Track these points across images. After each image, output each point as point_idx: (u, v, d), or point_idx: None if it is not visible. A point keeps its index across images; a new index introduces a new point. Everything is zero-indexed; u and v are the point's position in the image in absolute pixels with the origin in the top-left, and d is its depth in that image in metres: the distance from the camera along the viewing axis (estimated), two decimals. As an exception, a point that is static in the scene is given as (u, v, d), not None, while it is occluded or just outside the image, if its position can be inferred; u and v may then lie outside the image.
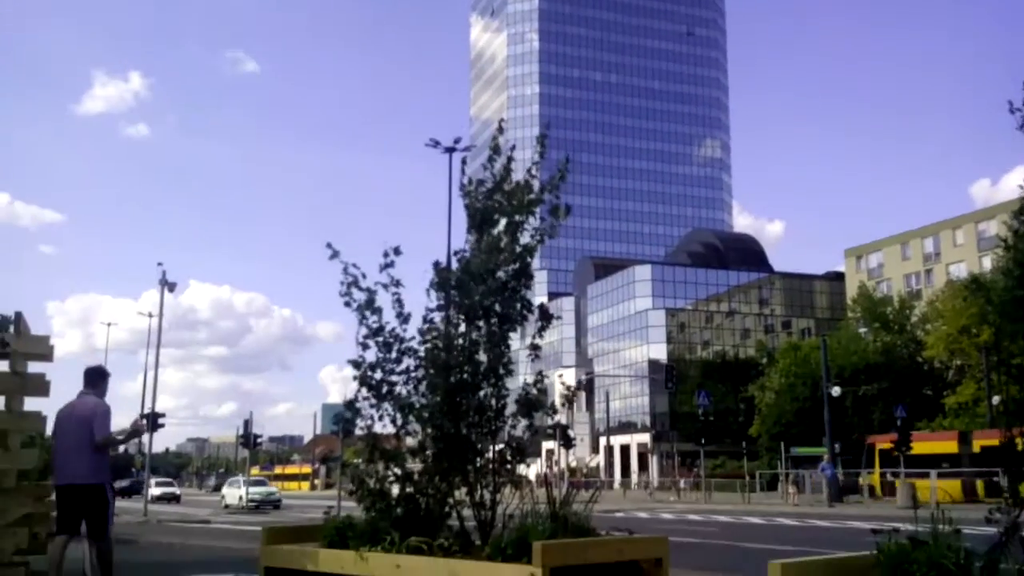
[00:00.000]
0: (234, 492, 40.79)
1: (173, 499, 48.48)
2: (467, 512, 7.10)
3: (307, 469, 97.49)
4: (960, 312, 48.74)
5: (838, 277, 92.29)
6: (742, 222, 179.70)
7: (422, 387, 7.30)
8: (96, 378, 8.00)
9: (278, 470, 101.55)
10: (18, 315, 7.15)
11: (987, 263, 65.98)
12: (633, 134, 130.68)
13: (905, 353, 61.78)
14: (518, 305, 7.35)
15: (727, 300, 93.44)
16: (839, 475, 35.89)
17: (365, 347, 7.24)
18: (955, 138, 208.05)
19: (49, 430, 7.88)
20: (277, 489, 48.30)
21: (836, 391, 41.75)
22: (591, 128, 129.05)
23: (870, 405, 57.11)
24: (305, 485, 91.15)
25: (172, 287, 39.08)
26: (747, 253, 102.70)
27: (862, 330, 65.34)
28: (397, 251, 7.39)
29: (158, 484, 48.99)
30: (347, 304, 7.29)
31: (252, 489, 38.75)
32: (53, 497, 8.03)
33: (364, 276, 7.33)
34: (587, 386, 76.04)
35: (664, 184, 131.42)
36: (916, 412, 51.54)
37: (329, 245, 7.32)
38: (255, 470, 74.92)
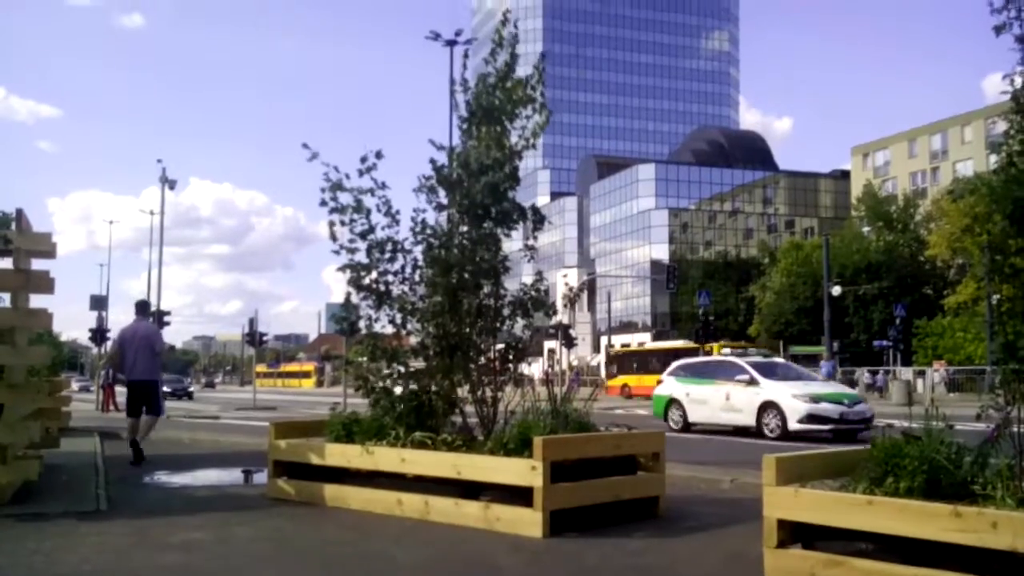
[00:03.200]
0: None
1: (185, 395, 48.64)
2: (469, 409, 7.24)
3: (308, 367, 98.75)
4: (963, 211, 48.44)
5: (844, 175, 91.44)
6: (749, 119, 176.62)
7: (420, 288, 7.31)
8: (145, 308, 11.76)
9: (261, 368, 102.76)
10: (19, 212, 7.11)
11: (994, 161, 65.20)
12: (639, 25, 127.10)
13: (907, 252, 61.73)
14: (510, 205, 7.31)
15: (731, 199, 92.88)
16: (838, 373, 36.34)
17: (352, 251, 7.22)
18: (968, 30, 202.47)
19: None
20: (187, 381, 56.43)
21: (836, 291, 41.90)
22: (596, 20, 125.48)
23: (870, 304, 57.42)
24: (307, 383, 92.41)
25: (173, 184, 38.85)
26: (753, 151, 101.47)
27: (865, 229, 65.14)
28: (379, 155, 7.27)
29: (167, 382, 49.65)
30: (332, 211, 7.20)
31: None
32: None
33: (348, 177, 7.23)
34: (589, 286, 76.38)
35: (670, 79, 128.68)
36: (916, 311, 51.88)
37: (306, 145, 7.15)
38: (262, 367, 75.99)
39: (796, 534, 4.47)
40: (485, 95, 7.34)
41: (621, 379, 46.21)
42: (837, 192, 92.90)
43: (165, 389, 43.44)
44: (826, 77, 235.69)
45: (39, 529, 5.91)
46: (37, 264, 7.36)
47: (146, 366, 10.77)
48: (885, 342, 45.29)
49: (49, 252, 7.36)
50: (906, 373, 38.87)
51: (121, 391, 16.39)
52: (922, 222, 63.51)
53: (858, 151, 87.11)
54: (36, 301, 7.33)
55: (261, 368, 65.43)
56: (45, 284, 7.28)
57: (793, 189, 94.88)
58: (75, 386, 38.82)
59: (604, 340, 72.18)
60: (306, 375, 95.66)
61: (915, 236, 62.88)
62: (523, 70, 7.33)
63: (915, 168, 79.76)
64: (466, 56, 7.72)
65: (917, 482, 4.16)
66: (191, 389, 51.52)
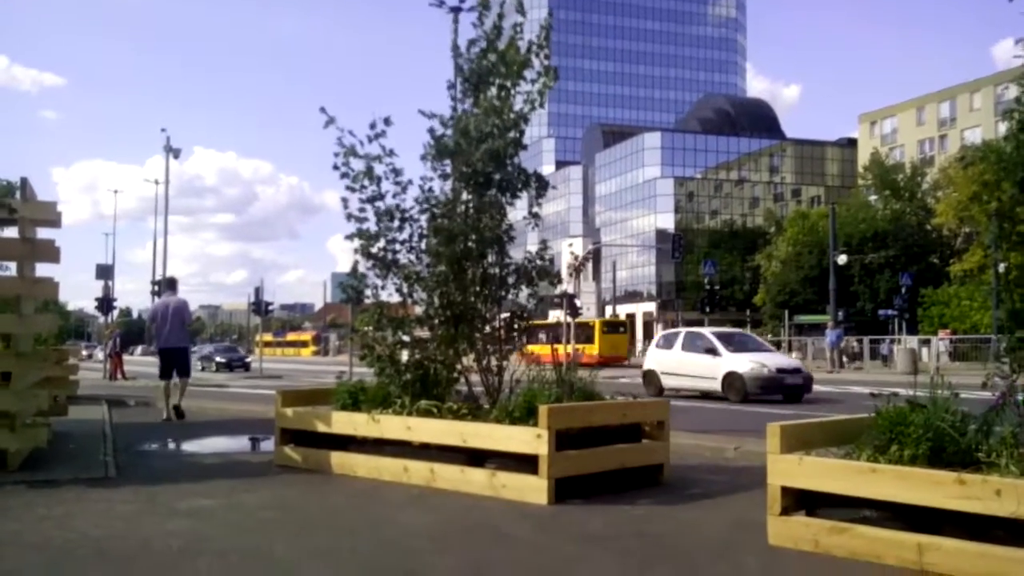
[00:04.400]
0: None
1: (241, 366, 43.26)
2: (475, 378, 7.26)
3: (307, 336, 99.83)
4: (971, 178, 48.10)
5: (851, 144, 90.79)
6: (757, 86, 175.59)
7: (425, 257, 7.30)
8: (173, 284, 13.53)
9: (267, 338, 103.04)
10: (24, 181, 7.11)
11: (1004, 128, 64.67)
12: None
13: (914, 221, 61.45)
14: (515, 172, 7.26)
15: (737, 168, 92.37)
16: (843, 342, 36.34)
17: (362, 219, 7.20)
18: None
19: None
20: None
21: (843, 259, 41.78)
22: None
23: (876, 273, 57.28)
24: (305, 351, 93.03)
25: (177, 153, 38.79)
26: (759, 119, 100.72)
27: (872, 198, 64.80)
28: (387, 121, 7.22)
29: (219, 352, 47.08)
30: (344, 175, 7.19)
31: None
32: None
33: (362, 144, 7.21)
34: (594, 255, 76.27)
35: (676, 46, 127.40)
36: (922, 280, 51.74)
37: (323, 110, 7.15)
38: (268, 336, 76.19)
39: (800, 501, 4.50)
40: (478, 60, 7.27)
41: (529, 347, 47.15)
42: (844, 160, 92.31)
43: (218, 359, 43.77)
44: (834, 44, 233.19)
45: (49, 495, 5.97)
46: (42, 233, 7.37)
47: (178, 335, 12.29)
48: (891, 311, 45.21)
49: (54, 221, 7.36)
50: (912, 342, 38.82)
51: (140, 360, 17.13)
52: (929, 190, 63.13)
53: (865, 119, 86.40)
54: (42, 270, 7.37)
55: (267, 337, 65.64)
56: (50, 253, 7.29)
57: (800, 157, 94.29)
58: (84, 353, 38.66)
59: (609, 309, 72.27)
60: (304, 344, 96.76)
61: (922, 204, 62.56)
62: (530, 35, 7.24)
63: (923, 136, 79.15)
64: (455, 23, 7.63)
65: (921, 450, 4.18)
66: (248, 360, 44.71)
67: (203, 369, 40.74)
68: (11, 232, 7.18)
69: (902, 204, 62.77)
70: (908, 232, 59.51)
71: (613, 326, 50.66)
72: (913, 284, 46.76)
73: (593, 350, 44.60)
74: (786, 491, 4.49)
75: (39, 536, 4.78)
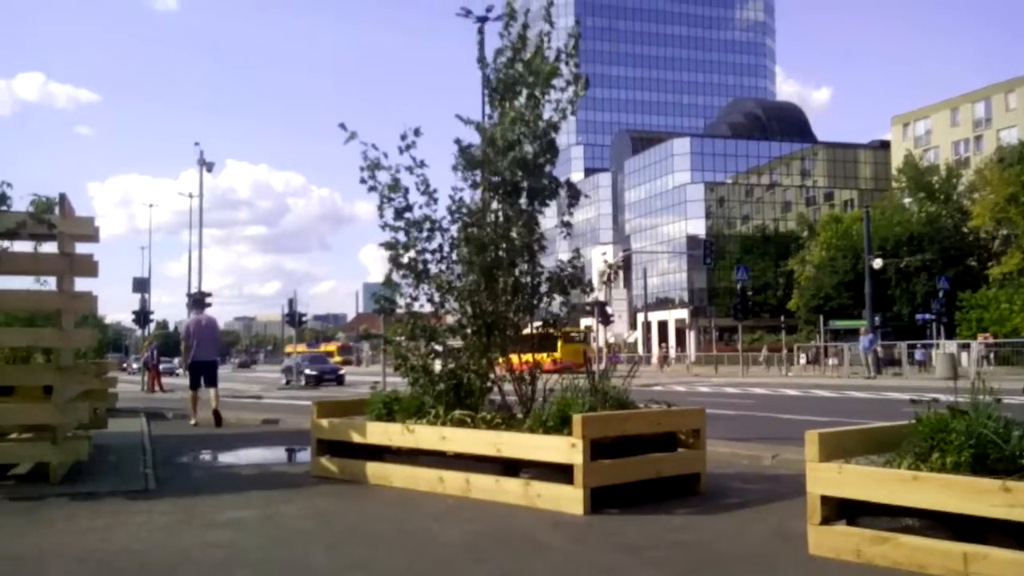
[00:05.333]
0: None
1: (336, 380, 37.78)
2: (508, 387, 7.25)
3: (332, 347, 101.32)
4: (1008, 180, 47.32)
5: (884, 146, 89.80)
6: (787, 90, 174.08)
7: (457, 267, 7.32)
8: (201, 302, 15.56)
9: (300, 349, 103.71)
10: (62, 196, 7.21)
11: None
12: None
13: (950, 223, 60.58)
14: (546, 181, 7.26)
15: (768, 172, 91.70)
16: (878, 347, 35.85)
17: (395, 229, 7.25)
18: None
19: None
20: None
21: (878, 263, 41.24)
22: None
23: (913, 277, 56.49)
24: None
25: (210, 167, 39.27)
26: (790, 123, 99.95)
27: (907, 200, 63.99)
28: (417, 132, 7.26)
29: (311, 364, 40.32)
30: (371, 189, 7.23)
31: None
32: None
33: (386, 156, 7.24)
34: (624, 263, 76.03)
35: (704, 51, 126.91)
36: (960, 283, 50.96)
37: (343, 126, 7.13)
38: (301, 347, 76.79)
39: (840, 510, 4.43)
40: (504, 69, 7.29)
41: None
42: (877, 163, 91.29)
43: (308, 371, 36.99)
44: (865, 46, 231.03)
45: (90, 508, 6.05)
46: (81, 248, 7.47)
47: (209, 350, 13.59)
48: (928, 315, 44.59)
49: (92, 236, 7.47)
50: (950, 346, 38.21)
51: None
52: (965, 192, 62.21)
53: (898, 121, 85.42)
54: (81, 284, 7.46)
55: (302, 348, 66.16)
56: (89, 268, 7.40)
57: (832, 161, 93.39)
58: (135, 366, 37.41)
59: (640, 317, 72.02)
60: (329, 355, 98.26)
61: (958, 207, 61.66)
62: (557, 43, 7.25)
63: (957, 137, 78.06)
64: (481, 33, 7.66)
65: (964, 457, 4.10)
66: (342, 372, 39.80)
67: (288, 383, 35.96)
68: (50, 247, 7.30)
69: (937, 206, 61.91)
70: (944, 235, 58.67)
71: (571, 337, 50.87)
72: (951, 288, 46.08)
73: (556, 357, 44.81)
74: (826, 500, 4.42)
75: (82, 548, 4.84)
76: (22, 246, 7.31)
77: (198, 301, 15.20)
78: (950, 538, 3.97)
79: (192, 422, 13.20)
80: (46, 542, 5.00)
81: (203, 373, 13.47)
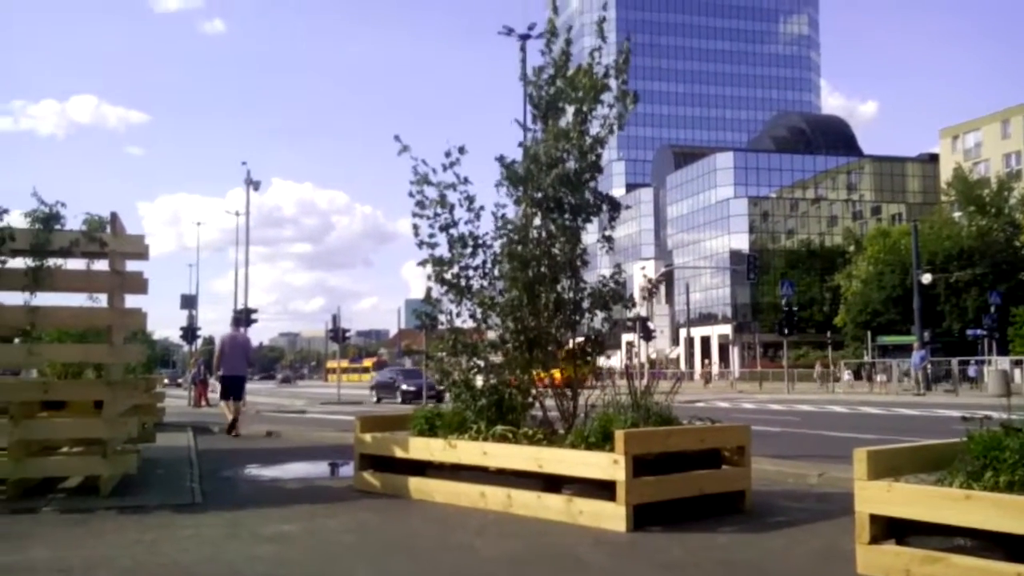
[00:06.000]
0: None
1: (434, 396, 32.14)
2: (549, 403, 7.24)
3: (368, 363, 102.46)
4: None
5: (932, 159, 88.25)
6: (832, 103, 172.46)
7: (499, 283, 7.35)
8: (238, 321, 15.17)
9: (331, 364, 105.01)
10: (114, 215, 7.38)
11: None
12: (714, 11, 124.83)
13: (1002, 237, 59.25)
14: (590, 197, 7.26)
15: (813, 186, 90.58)
16: (928, 364, 35.13)
17: (433, 245, 7.30)
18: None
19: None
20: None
21: (927, 278, 40.51)
22: (669, 8, 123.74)
23: (963, 292, 55.31)
24: (365, 377, 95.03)
25: (257, 186, 39.88)
26: (836, 136, 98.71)
27: (956, 214, 62.80)
28: (461, 150, 7.33)
29: (406, 379, 36.67)
30: (419, 203, 7.31)
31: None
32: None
33: (435, 172, 7.32)
34: (666, 278, 75.59)
35: (747, 65, 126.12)
36: (1012, 298, 49.78)
37: (397, 138, 7.29)
38: (345, 363, 77.56)
39: (889, 530, 4.34)
40: (547, 87, 7.32)
41: None
42: (925, 176, 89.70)
43: (405, 387, 34.52)
44: (912, 59, 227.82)
45: (139, 521, 6.15)
46: (131, 265, 7.64)
47: (238, 365, 14.77)
48: (980, 331, 43.59)
49: (142, 254, 7.63)
50: (1003, 363, 37.30)
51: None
52: (1017, 205, 60.86)
53: (947, 133, 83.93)
54: (131, 301, 7.61)
55: (344, 363, 66.84)
56: (139, 285, 7.56)
57: (879, 174, 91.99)
58: (166, 381, 37.90)
59: (683, 332, 71.47)
60: (365, 370, 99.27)
61: (1010, 220, 60.33)
62: (607, 58, 7.27)
63: (1008, 149, 76.42)
64: (523, 50, 7.71)
65: (1018, 476, 3.99)
66: (442, 388, 35.28)
67: (379, 401, 34.26)
68: (102, 265, 7.46)
69: (988, 220, 60.62)
70: (996, 249, 57.40)
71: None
72: (1003, 302, 45.02)
73: (556, 374, 44.37)
74: (875, 519, 4.33)
75: (131, 560, 4.92)
76: (75, 264, 7.48)
77: (236, 320, 16.57)
78: (1004, 559, 3.87)
79: (228, 426, 14.29)
80: (96, 553, 5.09)
81: (232, 385, 14.69)
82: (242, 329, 15.92)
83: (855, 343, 60.18)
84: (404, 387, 34.02)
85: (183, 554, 5.08)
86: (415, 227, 7.33)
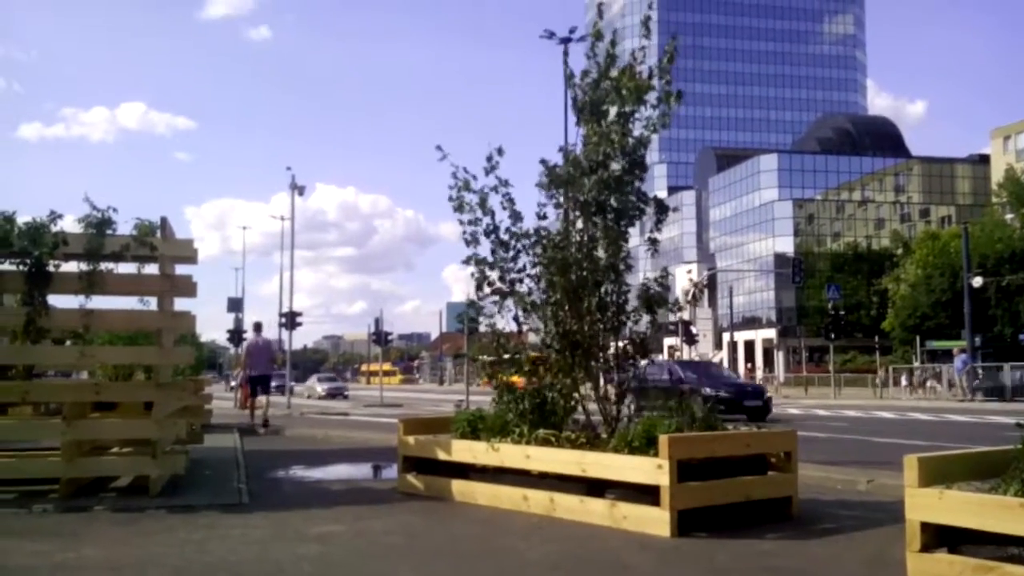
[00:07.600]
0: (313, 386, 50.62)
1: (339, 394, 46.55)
2: (592, 406, 7.22)
3: (396, 368, 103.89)
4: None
5: (983, 160, 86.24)
6: (879, 104, 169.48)
7: (541, 284, 7.35)
8: (259, 327, 18.44)
9: (372, 367, 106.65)
10: (163, 220, 7.52)
11: None
12: (758, 12, 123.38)
13: (1056, 240, 57.67)
14: (633, 199, 7.22)
15: (860, 188, 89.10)
16: (970, 367, 34.33)
17: (476, 245, 7.33)
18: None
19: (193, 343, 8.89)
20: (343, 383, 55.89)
21: (978, 281, 39.58)
22: (712, 9, 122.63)
23: (1015, 296, 53.98)
24: (393, 380, 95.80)
25: (301, 190, 40.17)
26: (883, 137, 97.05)
27: (1008, 216, 61.29)
28: (500, 152, 7.35)
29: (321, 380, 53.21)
30: (457, 208, 7.35)
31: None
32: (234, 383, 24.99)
33: (475, 178, 7.35)
34: (709, 281, 74.91)
35: (792, 66, 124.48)
36: (1067, 302, 48.44)
37: (439, 147, 7.35)
38: (387, 365, 78.33)
39: (940, 538, 4.25)
40: (591, 90, 7.30)
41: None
42: (975, 178, 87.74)
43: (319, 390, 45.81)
44: (961, 58, 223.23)
45: (188, 520, 6.25)
46: (180, 269, 7.77)
47: (264, 366, 17.45)
48: (1033, 335, 42.47)
49: (191, 258, 7.75)
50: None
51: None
52: (1073, 206, 59.21)
53: (998, 133, 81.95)
54: (180, 304, 7.75)
55: (387, 367, 67.59)
56: (188, 288, 7.69)
57: (928, 176, 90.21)
58: (233, 383, 40.56)
59: (726, 336, 70.74)
60: (392, 373, 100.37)
61: (1065, 222, 58.71)
62: (650, 60, 7.24)
63: (1063, 149, 74.47)
64: (566, 54, 7.70)
65: (1076, 484, 3.89)
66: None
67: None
68: (152, 269, 7.60)
69: (1042, 222, 59.09)
70: (1050, 252, 55.89)
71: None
72: (1057, 306, 43.79)
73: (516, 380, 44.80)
74: (926, 527, 4.25)
75: (181, 559, 5.00)
76: (126, 268, 7.63)
77: (257, 326, 18.47)
78: (1062, 570, 3.77)
79: (260, 422, 16.39)
80: (146, 552, 5.19)
81: (258, 384, 17.42)
82: (263, 334, 18.33)
83: (903, 348, 59.06)
84: None
85: (231, 553, 5.15)
86: (464, 231, 7.38)
